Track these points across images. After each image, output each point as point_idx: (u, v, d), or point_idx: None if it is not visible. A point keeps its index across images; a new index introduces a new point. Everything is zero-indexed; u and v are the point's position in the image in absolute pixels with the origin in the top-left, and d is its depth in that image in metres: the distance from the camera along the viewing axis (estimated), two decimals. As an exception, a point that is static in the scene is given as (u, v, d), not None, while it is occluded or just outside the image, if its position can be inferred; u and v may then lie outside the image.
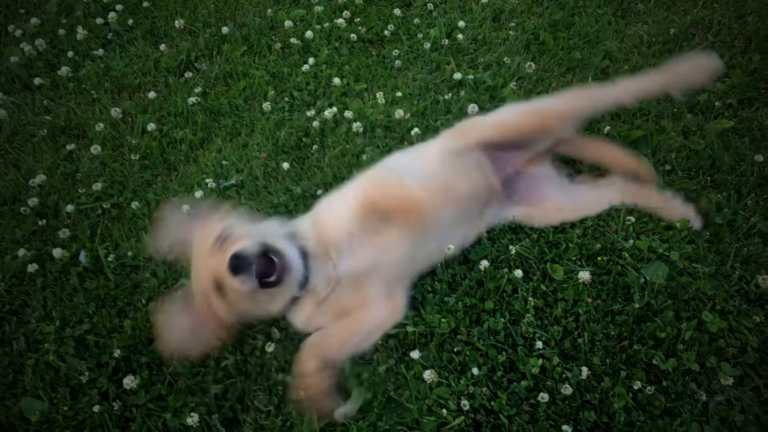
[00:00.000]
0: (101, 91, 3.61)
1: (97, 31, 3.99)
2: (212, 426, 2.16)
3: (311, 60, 3.69)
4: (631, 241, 2.65)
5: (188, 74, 3.67)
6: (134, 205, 2.94)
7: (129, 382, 2.25)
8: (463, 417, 2.14)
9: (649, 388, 2.23)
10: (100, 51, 3.86)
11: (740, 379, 2.32)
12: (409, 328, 2.38)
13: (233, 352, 2.37)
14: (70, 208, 2.92)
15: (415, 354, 2.30)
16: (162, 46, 3.85)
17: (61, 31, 3.96)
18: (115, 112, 3.37)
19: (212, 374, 2.30)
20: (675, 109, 3.37)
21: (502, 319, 2.43)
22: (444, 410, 2.17)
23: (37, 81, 3.65)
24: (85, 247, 2.77)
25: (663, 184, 2.95)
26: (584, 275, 2.53)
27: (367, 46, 3.87)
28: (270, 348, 2.37)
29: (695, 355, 2.32)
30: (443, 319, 2.40)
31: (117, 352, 2.33)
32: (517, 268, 2.54)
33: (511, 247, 2.60)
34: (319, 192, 2.95)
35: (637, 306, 2.47)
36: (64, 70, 3.67)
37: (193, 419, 2.13)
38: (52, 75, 3.71)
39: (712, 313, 2.44)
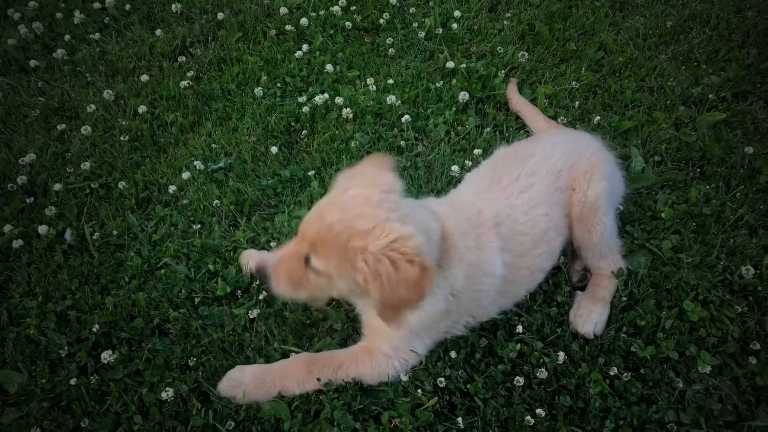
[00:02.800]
0: (96, 74, 3.63)
1: (95, 16, 4.01)
2: (187, 401, 2.17)
3: (305, 47, 3.70)
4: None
5: (182, 59, 3.68)
6: (121, 185, 2.95)
7: (107, 356, 2.27)
8: (437, 398, 2.14)
9: (626, 374, 2.22)
10: (97, 35, 3.88)
11: (719, 369, 2.30)
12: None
13: (214, 328, 2.39)
14: (58, 186, 2.94)
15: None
16: (158, 31, 3.87)
17: (59, 15, 3.98)
18: (108, 94, 3.39)
19: (189, 350, 2.30)
20: (668, 101, 3.35)
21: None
22: (419, 391, 2.16)
23: (33, 63, 3.67)
24: (72, 225, 2.78)
25: (652, 175, 2.94)
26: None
27: (362, 34, 3.87)
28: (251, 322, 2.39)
29: (675, 344, 2.31)
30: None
31: (96, 327, 2.35)
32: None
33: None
34: (310, 173, 2.96)
35: (620, 296, 2.46)
36: (60, 52, 3.69)
37: (167, 394, 2.13)
38: (48, 58, 3.73)
39: (694, 302, 2.43)
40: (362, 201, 1.89)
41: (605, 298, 2.43)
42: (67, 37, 3.84)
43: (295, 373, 2.18)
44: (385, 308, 1.85)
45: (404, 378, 2.19)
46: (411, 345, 2.20)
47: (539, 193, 2.34)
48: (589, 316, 2.37)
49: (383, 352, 2.18)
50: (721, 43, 3.74)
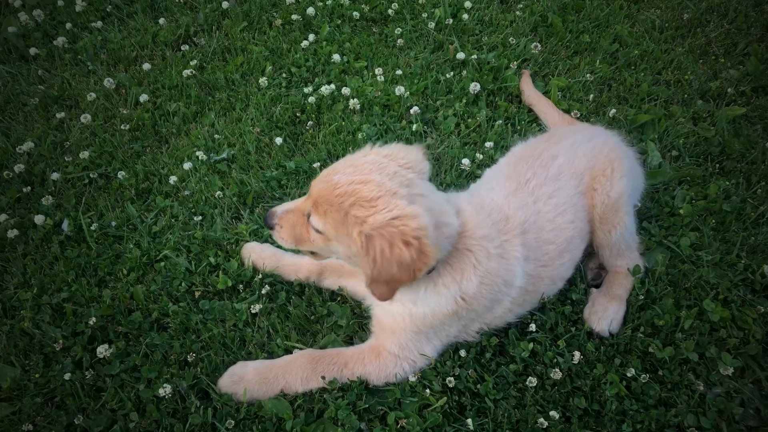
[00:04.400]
0: (97, 63, 3.54)
1: (97, 4, 3.93)
2: (186, 398, 2.08)
3: (312, 36, 3.60)
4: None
5: (185, 48, 3.59)
6: (121, 175, 2.87)
7: (103, 351, 2.18)
8: (446, 398, 2.04)
9: (643, 376, 2.12)
10: (99, 23, 3.80)
11: (741, 371, 2.20)
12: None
13: (215, 323, 2.30)
14: (56, 176, 2.86)
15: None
16: (161, 20, 3.78)
17: (60, 3, 3.90)
18: (109, 82, 3.31)
19: (189, 346, 2.22)
20: (685, 95, 3.25)
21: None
22: (427, 391, 2.07)
23: (33, 51, 3.59)
24: (69, 215, 2.70)
25: (670, 170, 2.84)
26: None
27: (370, 25, 3.78)
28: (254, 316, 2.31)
29: (694, 345, 2.21)
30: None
31: (92, 320, 2.26)
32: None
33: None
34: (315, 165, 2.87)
35: (637, 294, 2.36)
36: (61, 40, 3.61)
37: (165, 390, 2.05)
38: (48, 46, 3.65)
39: (714, 302, 2.33)
40: (375, 167, 1.82)
41: (621, 296, 2.34)
42: (68, 25, 3.76)
43: (299, 370, 2.09)
44: (374, 283, 1.79)
45: (412, 379, 2.10)
46: (420, 346, 2.10)
47: (565, 198, 2.23)
48: (604, 313, 2.28)
49: (391, 352, 2.09)
50: (739, 36, 3.63)
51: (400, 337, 2.07)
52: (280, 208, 2.02)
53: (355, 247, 1.77)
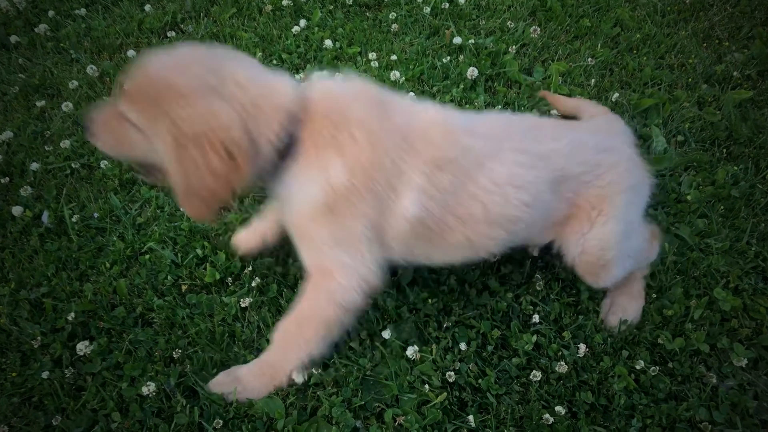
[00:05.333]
0: (80, 50, 3.42)
1: (81, -9, 3.80)
2: (171, 396, 1.97)
3: (303, 22, 3.49)
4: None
5: (172, 34, 3.47)
6: (104, 164, 2.74)
7: (83, 348, 2.06)
8: (446, 394, 1.94)
9: (653, 368, 2.02)
10: (83, 11, 3.67)
11: (754, 362, 2.10)
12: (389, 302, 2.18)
13: (202, 318, 2.19)
14: (36, 166, 2.73)
15: (386, 333, 2.09)
16: (147, 7, 3.66)
17: (43, -11, 3.78)
18: (92, 70, 3.18)
19: (175, 342, 2.10)
20: (689, 79, 3.14)
21: (510, 294, 2.23)
22: (426, 386, 1.96)
23: (14, 39, 3.46)
24: (50, 207, 2.58)
25: (675, 156, 2.74)
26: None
27: (363, 10, 3.66)
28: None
29: (705, 335, 2.11)
30: (430, 300, 2.20)
31: (71, 316, 2.14)
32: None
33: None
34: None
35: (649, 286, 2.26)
36: (42, 28, 3.48)
37: (149, 388, 1.93)
38: (30, 34, 3.52)
39: (725, 290, 2.23)
40: (195, 59, 1.63)
41: (641, 291, 2.22)
42: (51, 12, 3.63)
43: (278, 340, 1.96)
44: (187, 197, 1.64)
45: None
46: (333, 254, 1.81)
47: (533, 180, 1.86)
48: (624, 314, 2.15)
49: (316, 268, 1.86)
50: (743, 20, 3.53)
51: (308, 249, 1.86)
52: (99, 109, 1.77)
53: (166, 150, 1.59)
